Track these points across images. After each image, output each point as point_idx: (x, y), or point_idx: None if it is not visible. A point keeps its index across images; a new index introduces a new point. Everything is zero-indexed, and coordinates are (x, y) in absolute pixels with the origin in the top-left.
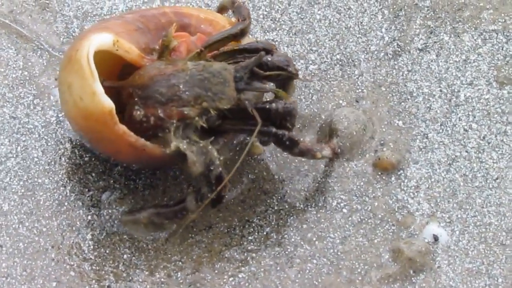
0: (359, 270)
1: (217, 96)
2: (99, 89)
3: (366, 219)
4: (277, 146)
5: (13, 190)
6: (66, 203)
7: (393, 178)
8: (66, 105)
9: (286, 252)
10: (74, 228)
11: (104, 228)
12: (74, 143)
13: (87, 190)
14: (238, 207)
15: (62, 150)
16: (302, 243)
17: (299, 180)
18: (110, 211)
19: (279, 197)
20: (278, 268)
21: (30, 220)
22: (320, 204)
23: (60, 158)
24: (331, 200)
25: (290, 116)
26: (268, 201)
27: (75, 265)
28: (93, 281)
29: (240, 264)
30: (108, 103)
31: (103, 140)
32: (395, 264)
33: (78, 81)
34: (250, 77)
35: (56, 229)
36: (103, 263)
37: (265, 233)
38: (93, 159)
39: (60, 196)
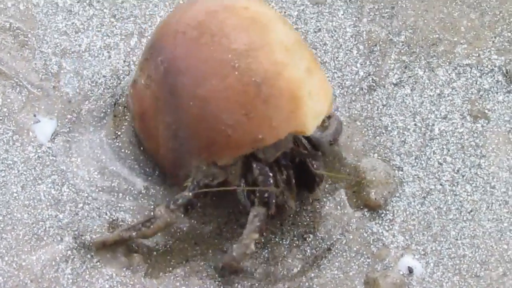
0: None
1: None
2: None
3: (341, 252)
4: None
5: None
6: (45, 238)
7: (367, 211)
8: None
9: (262, 284)
10: (53, 263)
11: (84, 261)
12: (52, 179)
13: (66, 224)
14: (214, 240)
15: (42, 186)
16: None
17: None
18: (90, 241)
19: None
20: None
21: (9, 255)
22: (295, 238)
23: (39, 193)
24: (306, 233)
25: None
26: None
27: None
28: None
29: None
30: None
31: None
32: None
33: None
34: None
35: (35, 264)
36: None
37: (241, 265)
38: (72, 192)
39: (39, 231)
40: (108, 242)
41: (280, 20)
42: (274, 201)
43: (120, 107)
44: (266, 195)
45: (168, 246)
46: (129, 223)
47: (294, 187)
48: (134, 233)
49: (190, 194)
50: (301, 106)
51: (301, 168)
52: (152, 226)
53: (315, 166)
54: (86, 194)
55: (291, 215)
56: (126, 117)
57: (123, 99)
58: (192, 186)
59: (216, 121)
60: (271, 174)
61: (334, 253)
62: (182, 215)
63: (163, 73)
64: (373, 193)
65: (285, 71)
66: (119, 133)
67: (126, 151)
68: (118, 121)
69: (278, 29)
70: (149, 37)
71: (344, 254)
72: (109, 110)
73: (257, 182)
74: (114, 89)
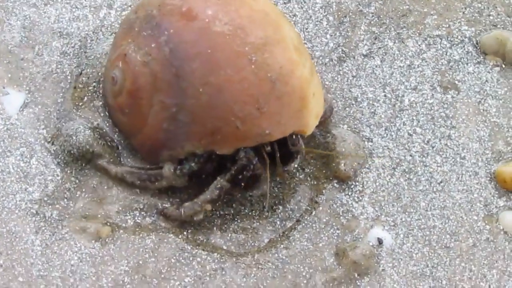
0: (304, 274)
1: None
2: None
3: (310, 223)
4: None
5: None
6: (16, 211)
7: (337, 183)
8: None
9: (232, 256)
10: (23, 234)
11: (54, 233)
12: (21, 151)
13: (37, 195)
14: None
15: (11, 158)
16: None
17: None
18: (59, 214)
19: (224, 201)
20: (224, 273)
21: None
22: (265, 209)
23: (8, 166)
24: (276, 205)
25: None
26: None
27: (23, 271)
28: (41, 286)
29: (185, 268)
30: None
31: None
32: (340, 267)
33: None
34: None
35: (5, 236)
36: (51, 269)
37: (210, 237)
38: (40, 165)
39: (10, 204)
40: (110, 173)
41: (285, 17)
42: (245, 179)
43: (83, 78)
44: (240, 176)
45: (137, 218)
46: (137, 166)
47: (279, 161)
48: (137, 181)
49: (195, 165)
50: (307, 106)
51: (279, 143)
52: (156, 183)
53: (293, 142)
54: (54, 167)
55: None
56: (90, 87)
57: (88, 70)
58: (197, 157)
59: (227, 111)
60: (254, 161)
61: (303, 224)
62: (186, 182)
63: (169, 54)
64: (342, 164)
65: (297, 70)
66: (80, 104)
67: (94, 122)
68: (79, 92)
69: (287, 26)
70: (131, 8)
71: (314, 225)
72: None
73: (239, 162)
74: (80, 60)
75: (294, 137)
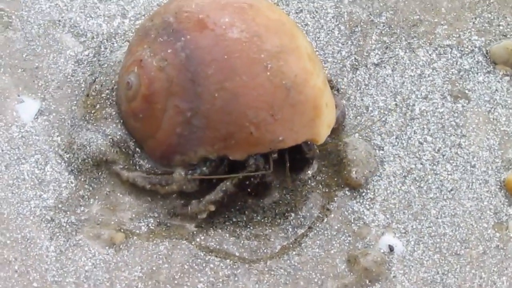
0: (315, 280)
1: None
2: None
3: (322, 230)
4: None
5: None
6: (31, 217)
7: (348, 190)
8: None
9: (244, 263)
10: (38, 240)
11: (68, 239)
12: (36, 158)
13: (51, 202)
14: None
15: (25, 165)
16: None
17: None
18: (74, 220)
19: (237, 208)
20: (236, 279)
21: None
22: (277, 216)
23: (23, 173)
24: (288, 212)
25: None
26: (226, 212)
27: (38, 276)
28: None
29: (198, 274)
30: None
31: None
32: (351, 274)
33: None
34: None
35: (20, 241)
36: (65, 274)
37: (223, 244)
38: (55, 172)
39: (25, 210)
40: (122, 177)
41: (298, 27)
42: (252, 185)
43: (96, 86)
44: (247, 182)
45: (150, 225)
46: (148, 171)
47: (288, 170)
48: (148, 185)
49: (207, 170)
50: (320, 115)
51: (289, 151)
52: (167, 187)
53: (308, 149)
54: (68, 174)
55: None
56: (103, 95)
57: (102, 77)
58: (209, 162)
59: (241, 116)
60: (262, 167)
61: (315, 231)
62: (197, 187)
63: (185, 60)
64: (354, 172)
65: (311, 79)
66: (93, 111)
67: (106, 129)
68: (91, 100)
69: (301, 36)
70: (145, 16)
71: (326, 232)
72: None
73: (248, 169)
74: (94, 68)
75: (308, 143)
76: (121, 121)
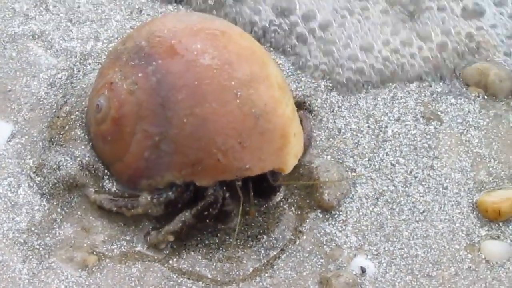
0: None
1: None
2: None
3: (294, 253)
4: None
5: None
6: (4, 240)
7: (320, 212)
8: None
9: (217, 285)
10: (11, 263)
11: (41, 262)
12: (9, 181)
13: (24, 225)
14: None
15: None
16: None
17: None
18: (46, 243)
19: (209, 230)
20: None
21: None
22: (249, 238)
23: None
24: (260, 234)
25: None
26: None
27: None
28: None
29: None
30: None
31: None
32: None
33: None
34: None
35: None
36: None
37: (195, 266)
38: (28, 195)
39: None
40: (90, 199)
41: (269, 56)
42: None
43: (67, 107)
44: (206, 213)
45: (123, 248)
46: (116, 193)
47: (252, 198)
48: (114, 208)
49: (173, 195)
50: (287, 145)
51: (256, 179)
52: (132, 210)
53: (272, 179)
54: (40, 197)
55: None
56: (72, 116)
57: (73, 99)
58: (175, 187)
59: (210, 142)
60: (220, 199)
61: (287, 253)
62: (162, 211)
63: (155, 84)
64: (326, 194)
65: (279, 108)
66: (62, 132)
67: (75, 151)
68: (61, 121)
69: (271, 64)
70: (118, 39)
71: (298, 254)
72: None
73: (207, 199)
74: (66, 90)
75: (274, 173)
76: (90, 143)
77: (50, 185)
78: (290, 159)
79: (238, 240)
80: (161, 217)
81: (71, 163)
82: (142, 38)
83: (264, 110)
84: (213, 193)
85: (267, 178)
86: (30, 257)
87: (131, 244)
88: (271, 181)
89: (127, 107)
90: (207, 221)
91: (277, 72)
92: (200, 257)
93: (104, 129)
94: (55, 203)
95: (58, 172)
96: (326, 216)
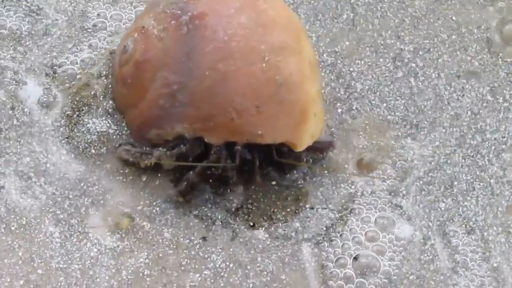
0: None
1: None
2: None
3: None
4: None
5: None
6: (36, 205)
7: None
8: None
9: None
10: (42, 226)
11: (72, 225)
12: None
13: (53, 189)
14: (201, 206)
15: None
16: None
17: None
18: (78, 206)
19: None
20: None
21: None
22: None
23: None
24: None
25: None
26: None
27: (42, 263)
28: (61, 278)
29: (205, 261)
30: None
31: None
32: None
33: None
34: None
35: (24, 228)
36: (70, 261)
37: None
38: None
39: (29, 199)
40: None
41: (307, 34)
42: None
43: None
44: (208, 172)
45: (156, 211)
46: (131, 149)
47: (257, 168)
48: (131, 158)
49: (184, 147)
50: (305, 122)
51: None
52: (146, 161)
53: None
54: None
55: None
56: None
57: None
58: (186, 141)
59: (226, 100)
60: (223, 158)
61: None
62: (172, 163)
63: (185, 34)
64: None
65: (305, 84)
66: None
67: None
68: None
69: (307, 42)
70: None
71: None
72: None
73: (210, 158)
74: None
75: (282, 150)
76: (111, 87)
77: (81, 149)
78: (305, 137)
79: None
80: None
81: (100, 126)
82: None
83: (289, 80)
84: (216, 152)
85: (271, 151)
86: (62, 220)
87: (164, 207)
88: (274, 155)
89: (152, 52)
90: (210, 180)
91: (311, 51)
92: None
93: (125, 71)
94: (86, 167)
95: (89, 136)
96: None
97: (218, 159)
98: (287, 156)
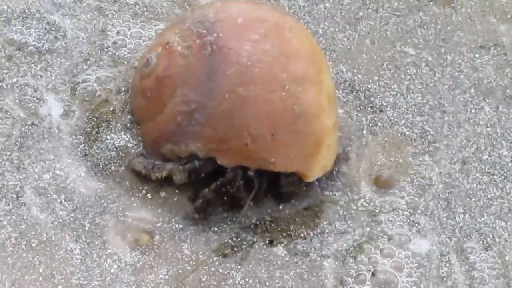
0: None
1: None
2: None
3: None
4: None
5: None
6: (56, 221)
7: None
8: None
9: None
10: (63, 242)
11: (93, 241)
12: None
13: (73, 206)
14: (220, 223)
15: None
16: None
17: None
18: (98, 222)
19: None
20: None
21: (16, 236)
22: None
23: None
24: None
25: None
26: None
27: (63, 279)
28: None
29: (224, 277)
30: None
31: None
32: None
33: None
34: None
35: (45, 244)
36: (90, 278)
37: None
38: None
39: (50, 216)
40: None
41: (328, 66)
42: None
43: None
44: (224, 189)
45: (176, 227)
46: (144, 161)
47: (264, 192)
48: (143, 170)
49: (197, 163)
50: (319, 154)
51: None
52: (157, 174)
53: (287, 183)
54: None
55: None
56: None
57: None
58: (199, 158)
59: (242, 124)
60: (238, 180)
61: None
62: (186, 179)
63: (209, 54)
64: None
65: (322, 116)
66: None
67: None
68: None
69: (327, 73)
70: (194, 9)
71: None
72: None
73: (226, 176)
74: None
75: (291, 178)
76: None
77: (101, 166)
78: (316, 168)
79: None
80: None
81: (118, 141)
82: (211, 10)
83: (306, 111)
84: (233, 170)
85: (279, 178)
86: (82, 236)
87: (183, 223)
88: (282, 183)
89: (174, 68)
90: (224, 198)
91: (330, 83)
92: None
93: (146, 84)
94: (106, 184)
95: (108, 152)
96: None
97: (234, 178)
98: (294, 185)
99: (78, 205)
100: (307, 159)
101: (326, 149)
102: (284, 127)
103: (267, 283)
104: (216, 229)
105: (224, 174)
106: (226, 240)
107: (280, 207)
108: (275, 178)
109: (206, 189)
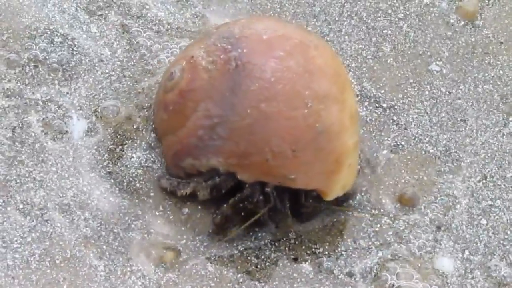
0: None
1: None
2: None
3: None
4: None
5: (24, 225)
6: (80, 238)
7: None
8: None
9: None
10: (87, 259)
11: (117, 258)
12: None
13: (97, 223)
14: (243, 240)
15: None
16: None
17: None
18: (122, 238)
19: None
20: None
21: (40, 253)
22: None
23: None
24: None
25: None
26: None
27: None
28: None
29: None
30: None
31: None
32: None
33: None
34: None
35: (69, 261)
36: None
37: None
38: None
39: (74, 233)
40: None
41: (352, 87)
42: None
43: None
44: (241, 205)
45: (200, 244)
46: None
47: (288, 211)
48: (169, 187)
49: (218, 179)
50: (339, 172)
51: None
52: (181, 191)
53: (306, 201)
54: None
55: None
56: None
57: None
58: (220, 173)
59: (264, 140)
60: (256, 196)
61: None
62: (208, 195)
63: (233, 69)
64: None
65: (344, 135)
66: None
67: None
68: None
69: (351, 92)
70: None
71: None
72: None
73: (244, 192)
74: None
75: (309, 199)
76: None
77: (125, 184)
78: (336, 187)
79: None
80: None
81: (144, 160)
82: (236, 26)
83: (328, 129)
84: (251, 185)
85: (300, 197)
86: (106, 253)
87: (209, 241)
88: (302, 201)
89: (198, 82)
90: (242, 214)
91: (354, 104)
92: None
93: (169, 98)
94: (130, 201)
95: (132, 170)
96: None
97: (252, 193)
98: (314, 203)
99: (102, 222)
100: (327, 177)
101: (346, 168)
102: (305, 144)
103: None
104: (240, 246)
105: (242, 190)
106: (250, 258)
107: (304, 225)
108: (295, 198)
109: (225, 205)
